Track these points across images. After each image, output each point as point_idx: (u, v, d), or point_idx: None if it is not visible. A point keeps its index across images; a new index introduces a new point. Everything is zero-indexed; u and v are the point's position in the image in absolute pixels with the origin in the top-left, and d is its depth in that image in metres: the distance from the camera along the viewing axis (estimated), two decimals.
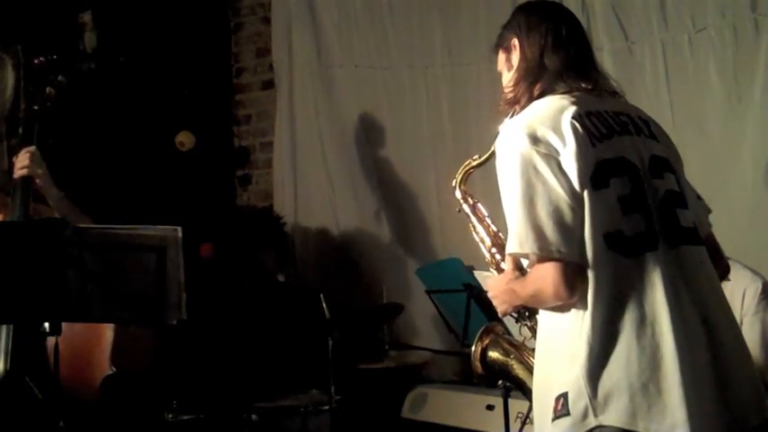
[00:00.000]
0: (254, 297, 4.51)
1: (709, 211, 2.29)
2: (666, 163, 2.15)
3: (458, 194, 2.50)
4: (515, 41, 2.26)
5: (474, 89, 4.78)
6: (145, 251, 2.57)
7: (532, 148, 2.03)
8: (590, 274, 1.97)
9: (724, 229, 2.26)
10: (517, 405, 3.38)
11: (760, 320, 3.13)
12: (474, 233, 2.46)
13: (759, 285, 3.22)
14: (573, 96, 2.14)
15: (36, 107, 2.99)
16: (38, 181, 2.90)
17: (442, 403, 4.12)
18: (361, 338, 4.46)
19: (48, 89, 3.01)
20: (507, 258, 2.18)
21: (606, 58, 4.18)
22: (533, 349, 2.21)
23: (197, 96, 5.26)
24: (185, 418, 3.57)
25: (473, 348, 2.44)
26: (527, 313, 2.30)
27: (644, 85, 4.20)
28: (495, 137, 2.19)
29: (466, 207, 2.49)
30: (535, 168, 2.02)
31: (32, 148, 2.94)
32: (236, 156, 5.60)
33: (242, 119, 5.63)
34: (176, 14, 5.18)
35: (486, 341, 2.44)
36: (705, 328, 2.00)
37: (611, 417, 1.93)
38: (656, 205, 2.06)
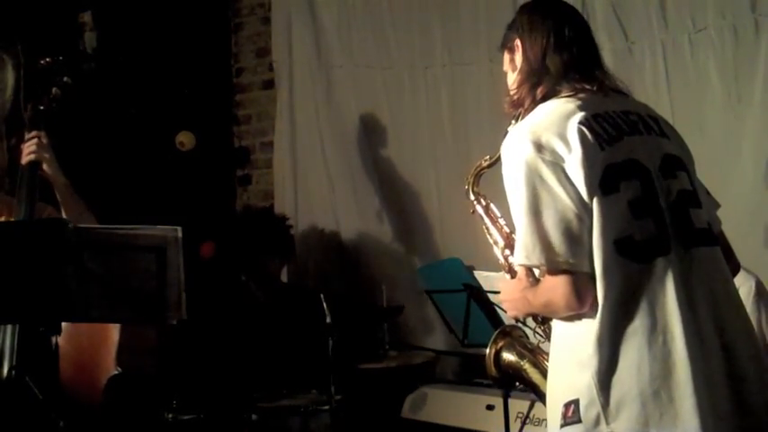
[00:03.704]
0: (255, 297, 4.51)
1: (717, 206, 2.28)
2: (679, 161, 2.12)
3: (470, 196, 2.48)
4: (518, 42, 2.24)
5: (474, 89, 4.78)
6: (145, 251, 2.56)
7: (538, 156, 2.01)
8: (600, 281, 1.95)
9: (723, 228, 2.26)
10: (517, 405, 3.38)
11: (755, 320, 3.13)
12: (487, 235, 2.44)
13: (752, 284, 3.22)
14: (578, 99, 2.11)
15: (42, 108, 2.98)
16: (45, 167, 2.86)
17: (441, 403, 4.11)
18: (362, 338, 4.46)
19: (54, 90, 3.00)
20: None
21: (606, 58, 4.06)
22: (548, 353, 2.20)
23: (197, 96, 5.26)
24: (185, 417, 3.57)
25: (487, 351, 2.41)
26: (540, 318, 2.29)
27: (644, 85, 4.19)
28: (504, 136, 2.16)
29: (479, 208, 2.47)
30: (541, 177, 2.00)
31: (41, 133, 2.89)
32: (236, 156, 5.60)
33: (242, 119, 5.63)
34: (176, 14, 5.18)
35: (501, 343, 2.42)
36: (719, 333, 1.98)
37: (623, 425, 1.92)
38: (668, 207, 2.04)
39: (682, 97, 4.18)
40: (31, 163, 2.85)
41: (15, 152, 3.01)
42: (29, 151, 2.85)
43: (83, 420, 2.76)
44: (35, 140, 2.84)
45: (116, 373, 2.95)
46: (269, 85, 5.50)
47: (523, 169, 2.01)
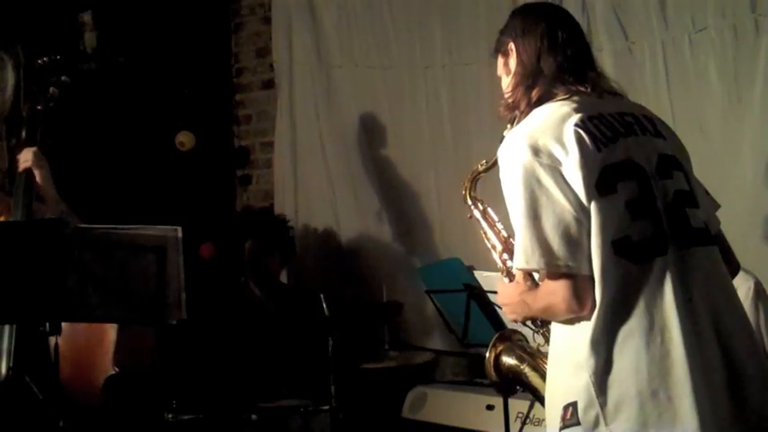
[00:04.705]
0: (255, 297, 4.51)
1: (717, 206, 2.28)
2: (675, 161, 2.12)
3: (468, 201, 2.47)
4: (512, 45, 2.24)
5: (474, 89, 4.78)
6: (145, 251, 2.57)
7: (535, 160, 2.00)
8: (598, 282, 1.95)
9: (723, 228, 2.26)
10: (517, 405, 3.38)
11: (754, 321, 3.13)
12: (485, 239, 2.44)
13: (751, 284, 3.22)
14: (573, 101, 2.11)
15: (39, 107, 3.00)
16: (38, 178, 2.91)
17: (442, 403, 4.11)
18: (362, 338, 4.46)
19: (51, 89, 3.01)
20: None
21: (606, 58, 4.17)
22: (548, 355, 2.20)
23: (197, 96, 5.26)
24: (185, 418, 3.57)
25: (487, 355, 2.41)
26: (539, 321, 2.29)
27: (644, 85, 4.19)
28: (500, 140, 2.17)
29: (477, 213, 2.46)
30: (538, 181, 1.99)
31: (34, 148, 2.95)
32: (236, 156, 5.60)
33: (242, 119, 5.63)
34: (176, 14, 5.18)
35: (500, 348, 2.41)
36: (716, 332, 1.98)
37: (622, 425, 1.92)
38: (665, 207, 2.03)
39: (682, 97, 4.18)
40: (27, 170, 2.89)
41: (15, 153, 3.04)
42: (24, 159, 2.90)
43: (82, 420, 2.76)
44: (31, 154, 2.89)
45: (113, 372, 2.96)
46: (269, 85, 5.50)
47: (521, 174, 2.01)
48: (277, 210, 5.22)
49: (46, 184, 2.93)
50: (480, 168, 2.42)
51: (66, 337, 2.60)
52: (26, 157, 2.93)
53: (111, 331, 2.98)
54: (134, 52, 4.95)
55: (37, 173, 2.91)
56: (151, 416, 3.61)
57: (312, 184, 5.27)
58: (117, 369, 3.00)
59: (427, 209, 4.97)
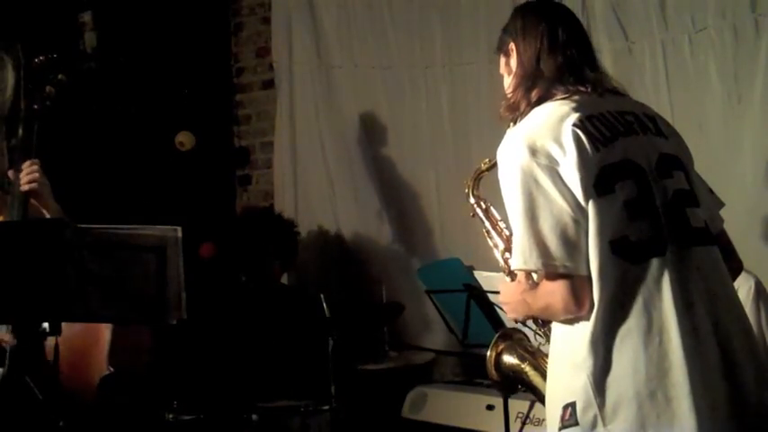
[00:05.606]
0: (255, 297, 4.51)
1: (721, 204, 2.28)
2: (675, 160, 2.12)
3: (471, 200, 2.48)
4: (512, 45, 2.24)
5: (474, 89, 4.78)
6: (145, 251, 2.57)
7: (533, 161, 2.00)
8: (596, 282, 1.95)
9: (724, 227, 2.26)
10: (517, 405, 3.38)
11: (755, 321, 3.13)
12: (487, 238, 2.44)
13: (752, 284, 3.22)
14: (573, 101, 2.11)
15: (36, 106, 2.99)
16: (40, 199, 2.87)
17: (442, 403, 4.12)
18: (362, 338, 4.46)
19: (48, 88, 3.00)
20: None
21: (606, 58, 4.16)
22: (548, 355, 2.20)
23: (197, 96, 5.26)
24: (185, 418, 3.57)
25: (488, 354, 2.41)
26: (540, 320, 2.29)
27: (644, 85, 4.20)
28: (502, 138, 2.17)
29: (479, 212, 2.47)
30: (536, 181, 1.99)
31: (35, 161, 2.90)
32: (236, 156, 5.60)
33: (242, 119, 5.63)
34: (176, 14, 5.18)
35: (501, 347, 2.42)
36: (715, 332, 1.98)
37: (620, 426, 1.92)
38: (664, 207, 2.03)
39: (682, 97, 4.18)
40: (26, 192, 2.85)
41: (15, 153, 3.03)
42: (29, 179, 2.85)
43: (82, 420, 2.76)
44: (36, 168, 2.86)
45: (109, 372, 2.96)
46: (269, 85, 5.49)
47: (519, 174, 2.01)
48: (277, 210, 5.21)
49: (47, 197, 2.88)
50: (483, 167, 2.42)
51: (62, 336, 2.59)
52: (33, 175, 2.85)
53: (106, 331, 2.98)
54: (134, 52, 4.95)
55: (40, 193, 2.86)
56: (148, 415, 3.61)
57: (312, 184, 5.27)
58: (112, 368, 3.00)
59: (427, 209, 4.98)
